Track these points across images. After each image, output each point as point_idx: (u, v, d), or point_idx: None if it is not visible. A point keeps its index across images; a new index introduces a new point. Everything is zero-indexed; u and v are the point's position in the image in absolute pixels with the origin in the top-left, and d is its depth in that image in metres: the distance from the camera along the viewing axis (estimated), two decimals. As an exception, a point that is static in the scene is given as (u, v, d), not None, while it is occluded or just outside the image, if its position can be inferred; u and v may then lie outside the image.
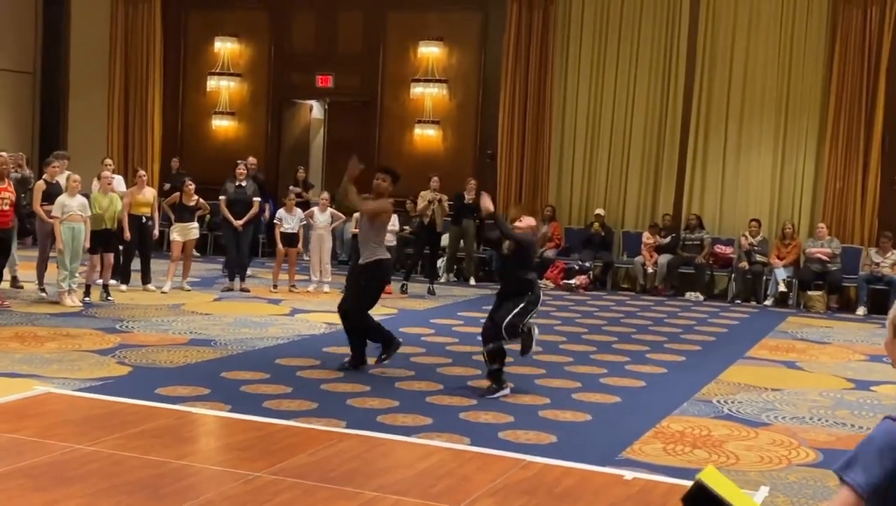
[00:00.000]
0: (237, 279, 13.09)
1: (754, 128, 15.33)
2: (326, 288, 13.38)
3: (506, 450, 6.40)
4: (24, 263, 12.94)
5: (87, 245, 11.39)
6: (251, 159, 15.00)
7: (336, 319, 11.20)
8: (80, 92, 18.50)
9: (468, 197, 14.69)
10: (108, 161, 13.02)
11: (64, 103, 18.51)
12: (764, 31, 15.25)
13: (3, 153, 12.77)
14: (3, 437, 6.03)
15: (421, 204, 14.33)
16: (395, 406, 7.44)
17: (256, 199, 13.39)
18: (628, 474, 5.95)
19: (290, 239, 13.24)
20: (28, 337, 9.33)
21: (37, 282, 11.60)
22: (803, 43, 15.09)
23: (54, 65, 18.38)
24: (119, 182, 12.95)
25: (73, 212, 11.08)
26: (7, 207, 11.08)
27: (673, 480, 5.94)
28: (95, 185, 12.12)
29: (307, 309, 11.82)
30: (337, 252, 15.57)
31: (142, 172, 12.90)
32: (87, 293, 11.54)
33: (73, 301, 11.14)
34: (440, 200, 14.22)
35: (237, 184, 13.30)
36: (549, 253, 15.55)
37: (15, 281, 11.90)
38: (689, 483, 5.65)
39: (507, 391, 7.87)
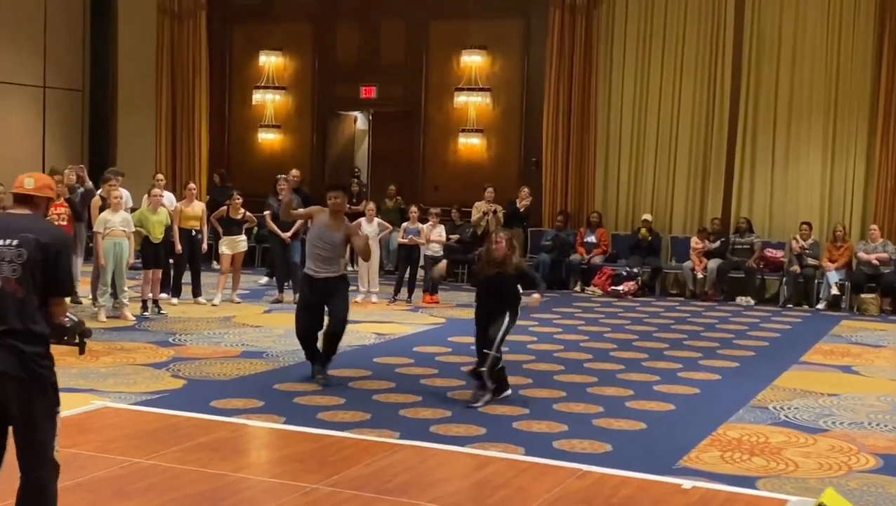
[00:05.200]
0: (289, 291, 13.17)
1: (803, 129, 15.15)
2: (374, 298, 13.41)
3: (561, 459, 6.37)
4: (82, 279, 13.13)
5: (132, 260, 11.52)
6: (294, 172, 15.10)
7: (386, 329, 11.29)
8: (128, 108, 18.73)
9: (519, 204, 14.67)
10: (160, 177, 13.15)
11: (112, 119, 18.74)
12: (811, 30, 15.07)
13: (67, 171, 12.87)
14: (63, 452, 6.04)
15: (476, 215, 14.35)
16: (447, 416, 7.44)
17: (300, 210, 13.46)
18: (687, 483, 5.89)
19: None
20: (83, 352, 9.43)
21: (90, 297, 11.74)
22: (851, 41, 14.89)
23: (102, 81, 18.63)
24: (170, 199, 13.05)
25: (115, 227, 11.20)
26: (65, 223, 11.32)
27: (732, 488, 5.89)
28: (146, 201, 12.24)
29: (356, 319, 11.78)
30: (384, 262, 15.60)
31: (192, 186, 13.02)
32: (144, 308, 11.68)
33: (126, 315, 11.28)
34: (495, 212, 14.21)
35: (280, 198, 13.40)
36: (597, 259, 15.48)
37: (75, 296, 12.00)
38: (749, 492, 5.54)
39: (508, 392, 7.95)
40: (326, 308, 8.66)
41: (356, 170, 18.17)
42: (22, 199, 4.40)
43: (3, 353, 4.18)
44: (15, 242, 4.22)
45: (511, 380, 8.60)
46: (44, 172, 11.86)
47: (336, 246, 8.65)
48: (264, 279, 14.71)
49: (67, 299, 4.54)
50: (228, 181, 16.73)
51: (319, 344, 8.68)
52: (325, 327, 8.67)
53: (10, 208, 4.49)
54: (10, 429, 4.35)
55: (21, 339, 4.21)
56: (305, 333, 8.65)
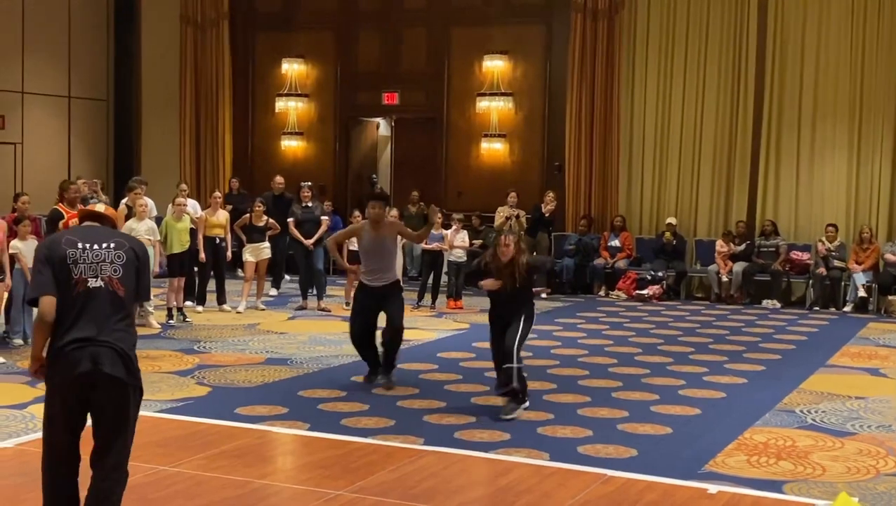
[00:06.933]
0: (313, 298, 13.22)
1: (828, 130, 15.03)
2: (398, 304, 13.39)
3: (586, 465, 6.35)
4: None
5: (157, 269, 11.58)
6: (278, 179, 15.11)
7: (410, 335, 11.24)
8: (152, 117, 18.85)
9: (545, 209, 14.66)
10: (183, 186, 13.22)
11: (137, 128, 18.86)
12: (835, 30, 14.97)
13: (80, 181, 13.06)
14: (88, 460, 6.13)
15: (498, 220, 14.34)
16: (471, 422, 7.42)
17: (324, 217, 13.55)
18: (713, 488, 5.86)
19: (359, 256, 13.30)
20: (109, 360, 9.48)
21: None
22: (875, 40, 14.76)
23: (126, 91, 18.76)
24: (194, 207, 13.14)
25: (140, 235, 11.24)
26: None
27: (759, 492, 5.85)
28: (170, 209, 12.31)
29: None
30: (407, 268, 15.61)
31: (217, 194, 13.13)
32: (169, 316, 11.74)
33: (151, 323, 11.35)
34: (518, 216, 14.19)
35: (304, 205, 13.54)
36: (621, 263, 15.42)
37: None
38: (776, 496, 5.48)
39: (527, 404, 7.78)
40: (384, 313, 8.76)
41: (373, 177, 18.22)
42: (94, 216, 4.65)
43: (110, 355, 4.30)
44: (112, 245, 4.41)
45: (535, 385, 8.60)
46: (69, 179, 11.94)
47: (386, 253, 8.77)
48: (273, 291, 14.57)
49: None
50: (244, 189, 16.75)
51: (379, 348, 8.81)
52: (383, 336, 8.73)
53: (82, 224, 4.65)
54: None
55: (121, 338, 4.34)
56: (359, 335, 8.78)
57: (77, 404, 4.32)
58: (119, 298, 4.34)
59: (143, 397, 7.93)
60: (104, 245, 4.38)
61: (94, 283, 4.30)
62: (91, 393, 4.29)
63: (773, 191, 15.39)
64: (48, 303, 4.27)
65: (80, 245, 4.35)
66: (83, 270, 4.30)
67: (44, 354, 4.36)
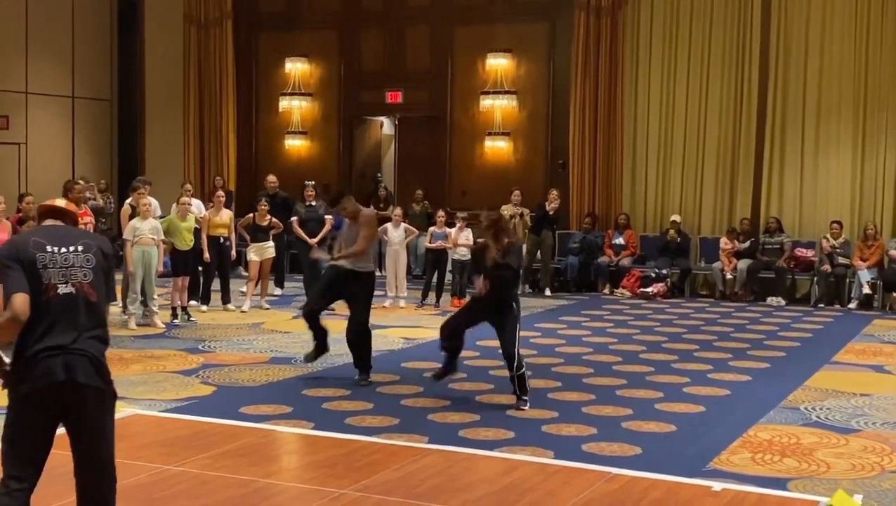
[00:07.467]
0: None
1: (832, 126, 15.01)
2: (402, 303, 13.43)
3: (590, 463, 6.35)
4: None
5: (161, 269, 11.59)
6: (271, 178, 15.09)
7: (414, 333, 11.32)
8: (155, 117, 18.87)
9: (549, 207, 14.66)
10: (188, 186, 13.23)
11: (141, 128, 18.89)
12: (839, 26, 14.93)
13: (81, 181, 13.08)
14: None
15: (502, 219, 14.32)
16: (476, 420, 7.43)
17: (328, 216, 13.55)
18: (717, 485, 5.86)
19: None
20: (114, 360, 9.46)
21: (120, 305, 11.82)
22: (879, 36, 14.72)
23: (130, 91, 18.79)
24: (198, 206, 13.15)
25: (143, 235, 11.27)
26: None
27: (763, 490, 5.84)
28: (174, 208, 12.32)
29: (384, 325, 11.83)
30: (411, 267, 15.61)
31: (220, 194, 13.14)
32: (174, 315, 11.75)
33: (156, 322, 11.36)
34: (522, 215, 14.19)
35: (308, 204, 13.54)
36: (625, 261, 15.41)
37: None
38: (780, 493, 5.48)
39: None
40: (349, 308, 8.86)
41: (378, 176, 18.27)
42: (56, 213, 4.40)
43: (84, 363, 4.08)
44: (80, 249, 4.20)
45: (539, 383, 8.61)
46: (73, 179, 11.97)
47: (355, 241, 8.80)
48: (278, 291, 14.54)
49: None
50: (227, 187, 16.68)
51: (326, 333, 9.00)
52: (348, 335, 8.75)
53: (44, 222, 4.42)
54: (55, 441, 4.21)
55: (94, 345, 4.15)
56: (312, 304, 8.98)
57: (53, 412, 4.09)
58: (92, 304, 4.16)
59: (148, 396, 8.02)
60: (72, 248, 4.18)
61: (64, 289, 4.09)
62: (67, 402, 4.09)
63: (778, 188, 15.37)
64: (23, 301, 4.00)
65: (48, 248, 4.13)
66: (52, 276, 4.08)
67: (4, 358, 4.13)
